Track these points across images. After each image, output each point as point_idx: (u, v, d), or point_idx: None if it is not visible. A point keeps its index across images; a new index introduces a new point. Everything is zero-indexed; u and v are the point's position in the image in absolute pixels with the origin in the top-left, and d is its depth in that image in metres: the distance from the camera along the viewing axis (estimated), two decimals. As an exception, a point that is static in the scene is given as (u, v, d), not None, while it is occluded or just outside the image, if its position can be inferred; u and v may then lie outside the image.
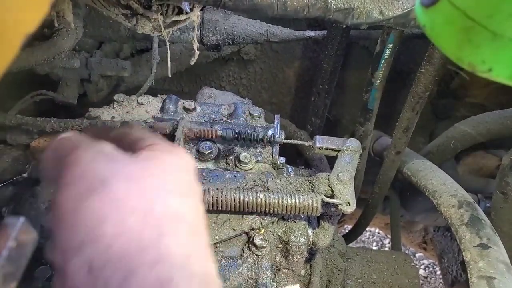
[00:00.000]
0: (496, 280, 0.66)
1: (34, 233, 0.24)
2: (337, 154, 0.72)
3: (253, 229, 0.66)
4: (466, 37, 0.28)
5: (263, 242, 0.65)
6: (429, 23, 0.31)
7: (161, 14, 0.63)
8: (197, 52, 0.73)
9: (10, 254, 0.22)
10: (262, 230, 0.67)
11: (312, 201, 0.64)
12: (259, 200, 0.63)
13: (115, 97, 0.82)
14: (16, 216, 0.23)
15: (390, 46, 0.82)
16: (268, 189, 0.67)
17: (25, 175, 0.71)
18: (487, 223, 0.76)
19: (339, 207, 0.64)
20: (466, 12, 0.28)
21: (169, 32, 0.68)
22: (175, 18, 0.65)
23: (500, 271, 0.67)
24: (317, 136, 0.73)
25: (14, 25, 0.21)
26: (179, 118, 0.79)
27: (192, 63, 0.73)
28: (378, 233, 3.06)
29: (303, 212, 0.65)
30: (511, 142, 0.90)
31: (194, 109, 0.81)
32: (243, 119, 0.81)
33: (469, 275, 0.69)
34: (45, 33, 0.88)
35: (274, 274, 0.69)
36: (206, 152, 0.73)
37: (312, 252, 0.74)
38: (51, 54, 0.86)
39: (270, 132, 0.76)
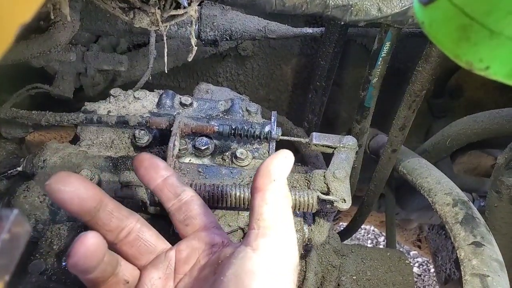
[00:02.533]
0: (489, 278, 0.66)
1: (27, 226, 0.24)
2: (333, 151, 0.72)
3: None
4: (464, 34, 0.28)
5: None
6: (427, 20, 0.31)
7: (158, 8, 0.62)
8: (195, 48, 0.72)
9: (2, 246, 0.22)
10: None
11: (308, 198, 0.64)
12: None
13: (112, 92, 0.82)
14: (10, 209, 0.23)
15: (387, 44, 0.82)
16: (264, 185, 0.67)
17: (19, 168, 0.71)
18: (481, 221, 0.76)
19: (334, 204, 0.64)
20: (464, 9, 0.28)
21: (166, 26, 0.67)
22: (173, 12, 0.64)
23: (494, 269, 0.67)
24: (314, 133, 0.73)
25: (9, 15, 0.20)
26: (175, 113, 0.78)
27: (190, 59, 0.73)
28: (373, 230, 3.08)
29: (298, 209, 0.65)
30: (507, 141, 0.90)
31: (191, 104, 0.81)
32: (240, 115, 0.80)
33: (462, 273, 0.70)
34: (41, 26, 0.87)
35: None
36: (203, 148, 0.73)
37: (307, 248, 0.74)
38: (47, 47, 0.85)
39: (266, 129, 0.76)
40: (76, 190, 0.41)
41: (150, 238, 0.47)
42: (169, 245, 0.49)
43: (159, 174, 0.49)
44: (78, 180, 0.42)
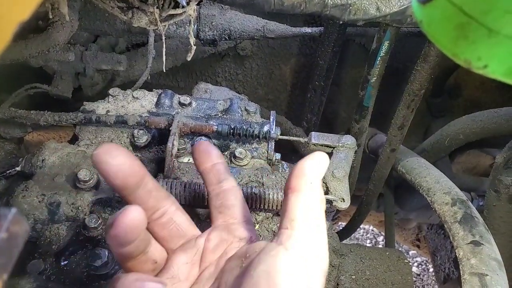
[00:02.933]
0: (488, 277, 0.67)
1: (26, 225, 0.24)
2: (332, 150, 0.72)
3: (247, 224, 0.66)
4: (462, 33, 0.28)
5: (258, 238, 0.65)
6: (425, 19, 0.31)
7: (157, 7, 0.62)
8: (194, 47, 0.72)
9: (1, 245, 0.22)
10: (257, 226, 0.67)
11: (307, 197, 0.64)
12: (254, 195, 0.63)
13: (110, 91, 0.82)
14: (8, 208, 0.23)
15: (386, 43, 0.82)
16: (263, 185, 0.67)
17: (18, 168, 0.71)
18: (480, 220, 0.76)
19: (333, 203, 0.64)
20: (463, 8, 0.28)
21: (165, 26, 0.67)
22: (172, 11, 0.64)
23: (492, 268, 0.68)
24: (313, 132, 0.74)
25: (6, 13, 0.20)
26: (174, 113, 0.78)
27: (189, 58, 0.73)
28: (372, 230, 3.08)
29: (297, 208, 0.65)
30: (505, 141, 0.90)
31: (190, 104, 0.81)
32: (239, 114, 0.80)
33: (461, 272, 0.70)
34: (39, 26, 0.87)
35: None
36: (201, 147, 0.73)
37: (306, 248, 0.74)
38: (46, 47, 0.85)
39: (265, 128, 0.76)
40: (122, 164, 0.41)
41: (183, 223, 0.48)
42: (199, 232, 0.49)
43: (210, 159, 0.51)
44: (124, 155, 0.42)
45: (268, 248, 0.40)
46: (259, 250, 0.41)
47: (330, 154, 0.72)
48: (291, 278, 0.37)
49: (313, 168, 0.42)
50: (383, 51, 0.83)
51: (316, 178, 0.42)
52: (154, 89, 0.85)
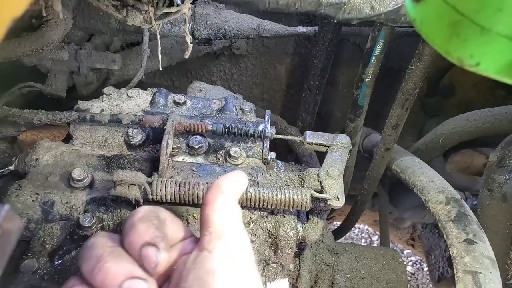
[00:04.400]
0: (481, 275, 0.67)
1: (19, 221, 0.23)
2: (327, 149, 0.73)
3: (242, 223, 0.66)
4: (454, 31, 0.29)
5: (252, 237, 0.65)
6: (419, 18, 0.32)
7: (152, 6, 0.62)
8: (190, 45, 0.72)
9: (-7, 242, 0.21)
10: (252, 225, 0.67)
11: (302, 196, 0.64)
12: (248, 194, 0.63)
13: (105, 90, 0.81)
14: (1, 204, 0.23)
15: (380, 42, 0.82)
16: (258, 184, 0.67)
17: (11, 167, 0.70)
18: (473, 219, 0.77)
19: (328, 202, 0.64)
20: (455, 6, 0.28)
21: (159, 24, 0.67)
22: (166, 10, 0.64)
23: (485, 266, 0.68)
24: (308, 131, 0.74)
25: (-2, 8, 0.20)
26: (169, 112, 0.78)
27: (186, 56, 0.73)
28: (367, 229, 3.09)
29: (292, 207, 0.65)
30: (498, 140, 0.91)
31: (185, 103, 0.81)
32: (234, 113, 0.80)
33: (455, 270, 0.70)
34: (33, 24, 0.86)
35: (263, 269, 0.69)
36: (196, 147, 0.73)
37: (301, 247, 0.74)
38: (39, 45, 0.84)
39: (260, 127, 0.76)
40: None
41: None
42: None
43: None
44: None
45: (192, 258, 0.42)
46: (186, 262, 0.42)
47: (324, 153, 0.73)
48: (221, 275, 0.39)
49: (226, 181, 0.45)
50: (378, 51, 0.83)
51: (229, 189, 0.45)
52: (148, 88, 0.84)
